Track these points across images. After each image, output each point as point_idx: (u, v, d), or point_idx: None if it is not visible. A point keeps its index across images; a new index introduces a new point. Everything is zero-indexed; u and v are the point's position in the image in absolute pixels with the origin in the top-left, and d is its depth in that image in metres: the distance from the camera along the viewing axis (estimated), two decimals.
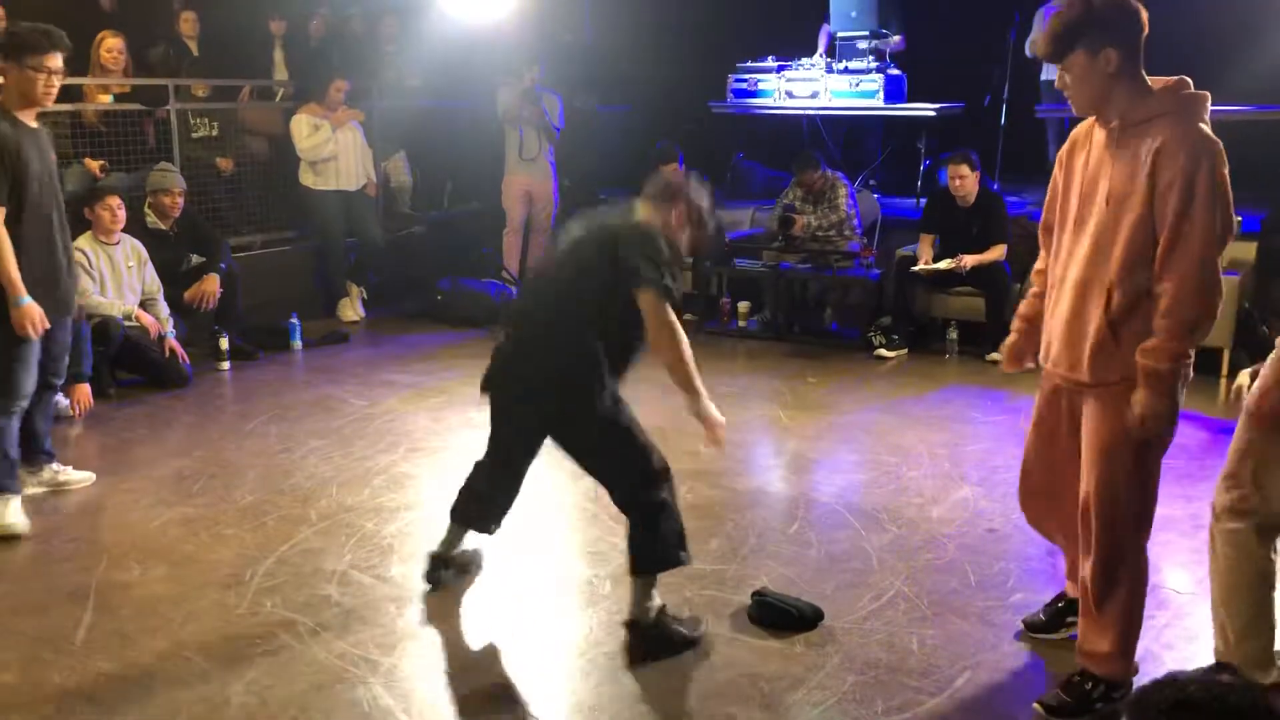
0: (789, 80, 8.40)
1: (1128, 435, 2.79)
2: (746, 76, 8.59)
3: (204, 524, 4.21)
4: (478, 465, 3.69)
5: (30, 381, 4.11)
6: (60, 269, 4.22)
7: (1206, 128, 2.69)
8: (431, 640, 3.36)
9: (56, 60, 4.04)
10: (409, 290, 8.09)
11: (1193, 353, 2.75)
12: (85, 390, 5.42)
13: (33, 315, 3.98)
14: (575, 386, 3.23)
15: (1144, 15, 2.71)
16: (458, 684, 3.10)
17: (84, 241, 5.90)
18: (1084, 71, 2.71)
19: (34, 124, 4.15)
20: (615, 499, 3.34)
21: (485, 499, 3.66)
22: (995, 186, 7.34)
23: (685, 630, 3.30)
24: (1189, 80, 2.76)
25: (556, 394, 3.27)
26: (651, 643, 3.22)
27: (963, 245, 6.79)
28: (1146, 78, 2.74)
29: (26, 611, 3.49)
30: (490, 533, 3.70)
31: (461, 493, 3.70)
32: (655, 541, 3.24)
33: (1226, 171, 2.64)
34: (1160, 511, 4.29)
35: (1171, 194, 2.61)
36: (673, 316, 3.23)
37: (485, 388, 3.50)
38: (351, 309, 7.81)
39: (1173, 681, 1.35)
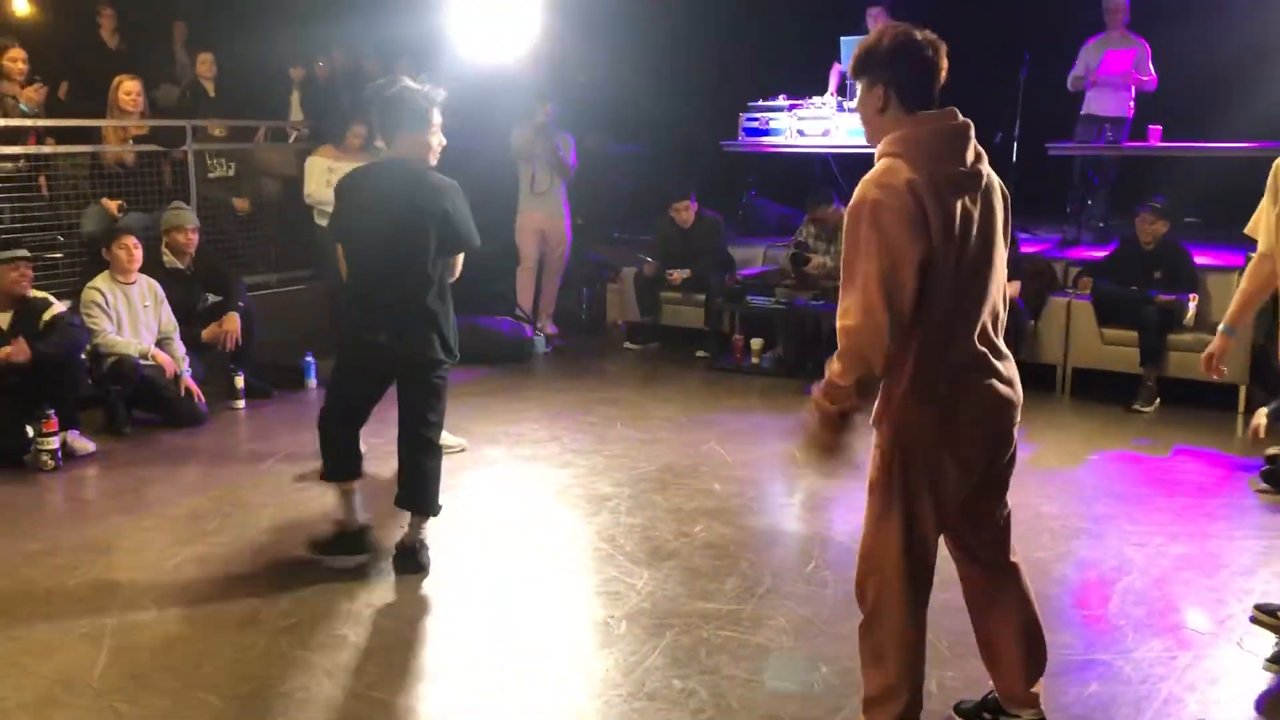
0: (800, 119, 8.45)
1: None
2: (758, 115, 8.65)
3: (219, 563, 4.21)
4: (334, 423, 4.15)
5: None
6: None
7: (897, 175, 2.55)
8: (447, 683, 3.34)
9: None
10: None
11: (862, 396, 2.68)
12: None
13: None
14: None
15: (930, 60, 2.68)
16: None
17: (101, 281, 5.96)
18: (860, 102, 2.75)
19: None
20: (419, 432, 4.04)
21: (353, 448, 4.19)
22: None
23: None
24: (946, 114, 2.69)
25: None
26: (411, 561, 4.03)
27: None
28: (920, 120, 2.65)
29: (42, 651, 3.49)
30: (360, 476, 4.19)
31: (337, 454, 4.16)
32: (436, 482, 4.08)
33: (887, 218, 2.50)
34: (1178, 550, 4.28)
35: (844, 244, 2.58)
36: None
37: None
38: None
39: None
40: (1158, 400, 6.47)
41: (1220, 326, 3.68)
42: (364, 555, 4.17)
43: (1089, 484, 5.20)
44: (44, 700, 3.18)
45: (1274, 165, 3.46)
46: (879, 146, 2.71)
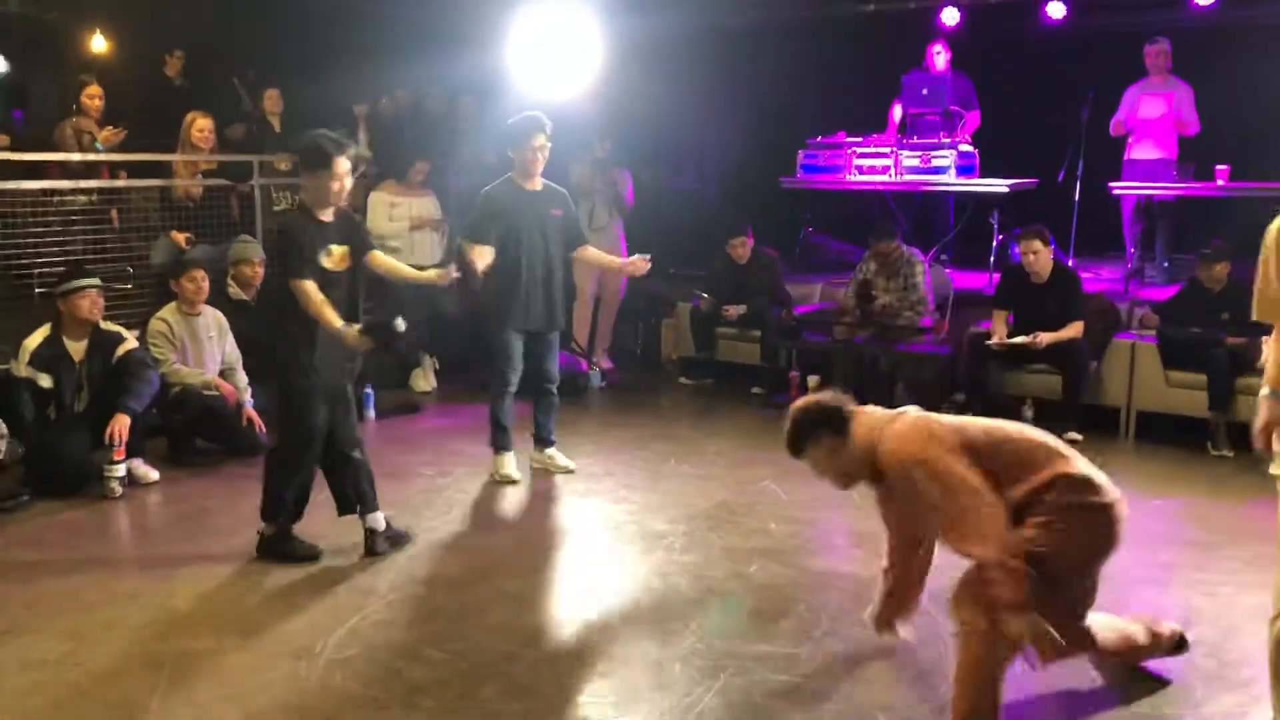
0: (860, 156, 8.43)
1: None
2: (817, 152, 8.64)
3: (277, 593, 4.24)
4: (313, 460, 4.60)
5: None
6: None
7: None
8: (495, 714, 3.33)
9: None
10: (480, 360, 8.15)
11: None
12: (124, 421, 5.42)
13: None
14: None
15: None
16: None
17: (168, 312, 6.08)
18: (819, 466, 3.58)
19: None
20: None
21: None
22: (1070, 263, 7.26)
23: (300, 550, 4.54)
24: None
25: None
26: (268, 549, 4.58)
27: (1037, 322, 6.69)
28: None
29: (103, 678, 3.53)
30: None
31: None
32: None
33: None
34: (1249, 600, 4.15)
35: None
36: (304, 285, 4.33)
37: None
38: (424, 379, 7.90)
39: None
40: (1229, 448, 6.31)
41: (1264, 392, 3.18)
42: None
43: (1154, 531, 5.07)
44: None
45: (1271, 229, 3.08)
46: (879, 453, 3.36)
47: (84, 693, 3.43)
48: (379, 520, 4.67)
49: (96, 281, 5.70)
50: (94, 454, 5.43)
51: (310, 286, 4.37)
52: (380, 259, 4.82)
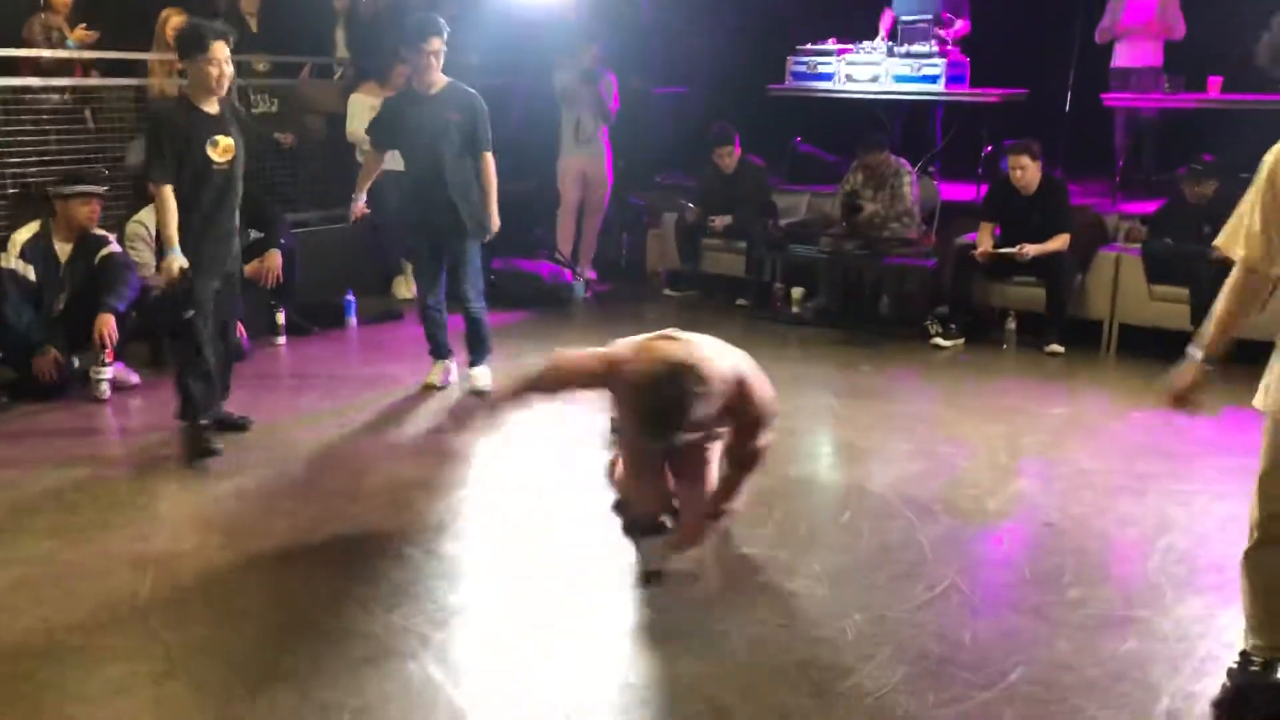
0: (850, 64, 8.29)
1: None
2: (806, 59, 8.48)
3: (259, 496, 4.26)
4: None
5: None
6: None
7: None
8: (482, 617, 3.37)
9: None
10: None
11: None
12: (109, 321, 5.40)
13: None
14: None
15: None
16: (507, 661, 3.11)
17: (145, 215, 5.98)
18: None
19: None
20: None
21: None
22: (1059, 175, 7.21)
23: (208, 446, 4.57)
24: None
25: None
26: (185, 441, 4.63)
27: (1024, 234, 6.67)
28: None
29: (89, 576, 3.56)
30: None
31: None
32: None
33: None
34: (1223, 510, 4.22)
35: None
36: (159, 190, 4.37)
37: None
38: (406, 287, 7.84)
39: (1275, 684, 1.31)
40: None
41: (1195, 354, 3.20)
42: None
43: (1132, 441, 5.13)
44: (90, 623, 3.25)
45: (1268, 159, 2.83)
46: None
47: (69, 590, 3.45)
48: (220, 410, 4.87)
49: (100, 189, 5.62)
50: (73, 356, 5.40)
51: (165, 191, 4.37)
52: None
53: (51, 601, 3.38)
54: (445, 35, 5.31)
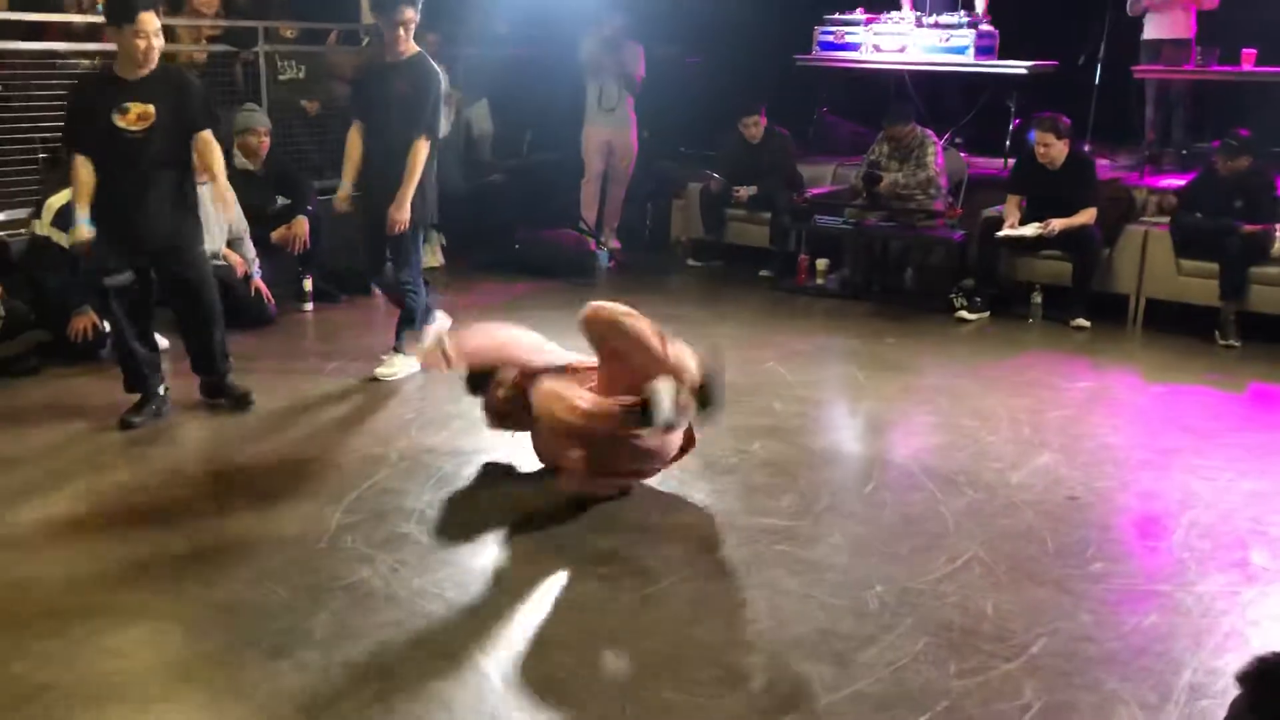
0: (877, 34, 8.22)
1: None
2: (834, 29, 8.42)
3: (287, 461, 4.31)
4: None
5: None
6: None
7: None
8: (508, 582, 3.41)
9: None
10: (487, 238, 8.13)
11: None
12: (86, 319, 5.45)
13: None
14: None
15: None
16: (529, 625, 3.15)
17: None
18: None
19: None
20: None
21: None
22: (1087, 148, 7.14)
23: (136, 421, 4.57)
24: None
25: None
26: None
27: (1051, 207, 6.63)
28: None
29: (119, 538, 3.61)
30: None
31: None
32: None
33: None
34: (1247, 486, 4.21)
35: None
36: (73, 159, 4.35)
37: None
38: (431, 255, 7.87)
39: None
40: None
41: None
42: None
43: (1157, 416, 5.11)
44: (120, 581, 3.30)
45: None
46: None
47: (101, 549, 3.51)
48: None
49: None
50: (104, 320, 5.45)
51: (75, 160, 4.33)
52: (204, 145, 4.48)
53: (85, 560, 3.44)
54: (419, 5, 5.06)
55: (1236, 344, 6.20)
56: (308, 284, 6.57)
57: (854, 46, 8.29)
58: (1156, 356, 6.09)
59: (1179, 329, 6.49)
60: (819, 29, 8.45)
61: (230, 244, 6.17)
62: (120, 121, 4.29)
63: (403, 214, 5.03)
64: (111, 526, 3.70)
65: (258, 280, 6.18)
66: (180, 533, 3.64)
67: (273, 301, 6.26)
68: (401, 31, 5.03)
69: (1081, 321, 6.56)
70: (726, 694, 2.80)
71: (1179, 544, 3.75)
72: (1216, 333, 6.29)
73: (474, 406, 4.90)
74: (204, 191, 6.03)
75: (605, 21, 8.04)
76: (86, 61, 6.87)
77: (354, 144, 5.25)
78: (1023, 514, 3.95)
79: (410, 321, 5.38)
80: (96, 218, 4.35)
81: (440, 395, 5.09)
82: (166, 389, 4.81)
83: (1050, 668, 2.94)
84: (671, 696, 2.77)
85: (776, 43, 8.86)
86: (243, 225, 6.23)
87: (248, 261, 6.18)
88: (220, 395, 4.88)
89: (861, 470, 4.37)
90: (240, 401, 4.86)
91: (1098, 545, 3.70)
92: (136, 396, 4.71)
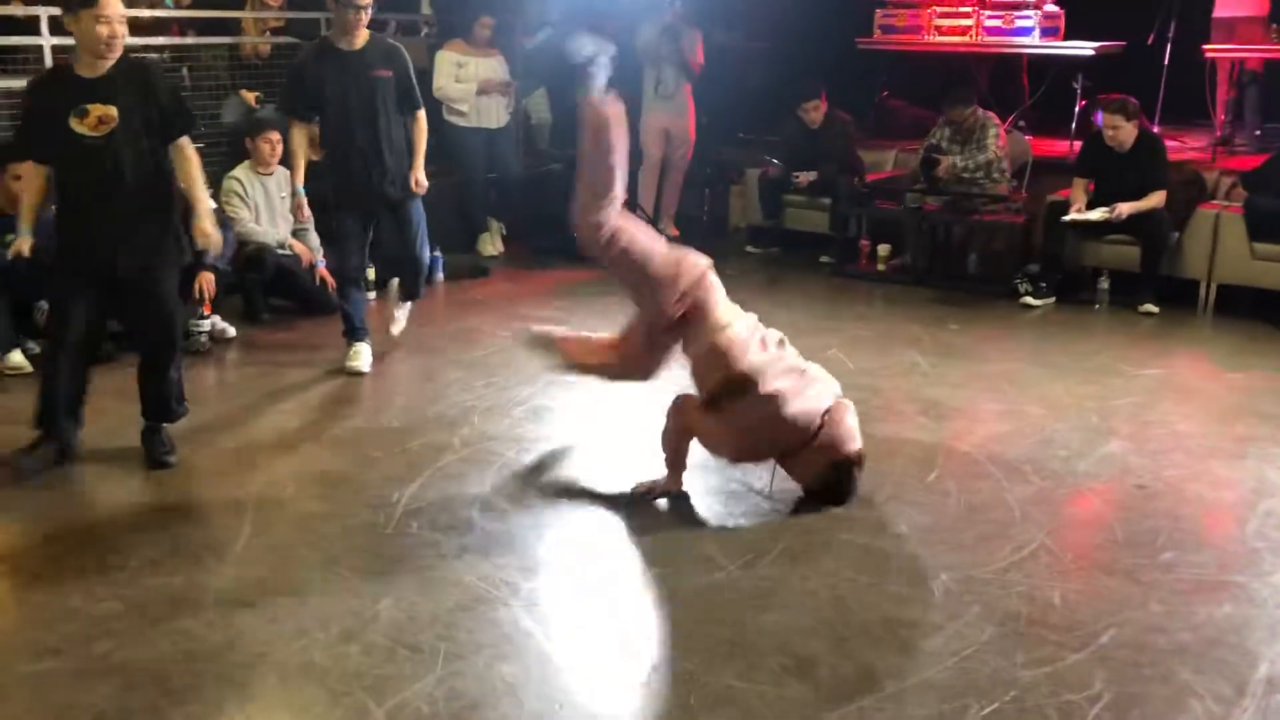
0: (940, 16, 8.11)
1: None
2: (895, 12, 8.33)
3: (353, 447, 4.37)
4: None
5: None
6: None
7: None
8: (570, 567, 3.43)
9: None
10: (546, 227, 8.14)
11: None
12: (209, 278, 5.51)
13: None
14: None
15: None
16: (594, 610, 3.17)
17: (240, 171, 6.14)
18: None
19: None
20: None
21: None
22: (1156, 130, 6.99)
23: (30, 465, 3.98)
24: None
25: None
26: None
27: (1119, 191, 6.50)
28: None
29: (190, 522, 3.70)
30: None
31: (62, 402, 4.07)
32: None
33: None
34: None
35: None
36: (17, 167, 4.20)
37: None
38: (491, 244, 7.93)
39: None
40: None
41: None
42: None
43: (1229, 404, 5.00)
44: (191, 566, 3.37)
45: None
46: None
47: (170, 532, 3.59)
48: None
49: None
50: None
51: (25, 169, 3.97)
52: (178, 155, 4.00)
53: (156, 544, 3.51)
54: None
55: None
56: (371, 273, 6.63)
57: (916, 29, 8.19)
58: (1228, 343, 5.96)
59: (1252, 315, 6.34)
60: (880, 11, 8.37)
61: (295, 234, 6.26)
62: (78, 127, 3.78)
63: (424, 181, 5.23)
64: (180, 509, 3.79)
65: (322, 269, 6.26)
66: (249, 517, 3.71)
67: (337, 290, 6.33)
68: (364, 15, 4.99)
69: (1150, 307, 6.44)
70: (792, 682, 2.79)
71: (1253, 534, 3.67)
72: None
73: (535, 395, 4.94)
74: (269, 181, 6.16)
75: (664, 8, 8.01)
76: (155, 55, 7.00)
77: (301, 142, 5.23)
78: (1090, 503, 3.89)
79: (420, 283, 5.62)
80: (58, 233, 3.97)
81: (502, 382, 5.13)
82: (74, 444, 4.16)
83: (1120, 659, 2.90)
84: (736, 684, 2.78)
85: (837, 26, 8.78)
86: (308, 215, 6.31)
87: (313, 250, 6.27)
88: (150, 444, 4.19)
89: (925, 458, 4.33)
90: (158, 459, 4.13)
91: (1168, 535, 3.63)
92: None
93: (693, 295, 3.83)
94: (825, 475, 3.80)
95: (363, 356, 5.30)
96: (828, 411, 3.82)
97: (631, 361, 4.03)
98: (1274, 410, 4.85)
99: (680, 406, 3.90)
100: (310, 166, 5.34)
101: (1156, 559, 3.46)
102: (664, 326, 3.85)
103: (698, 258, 3.94)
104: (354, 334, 5.34)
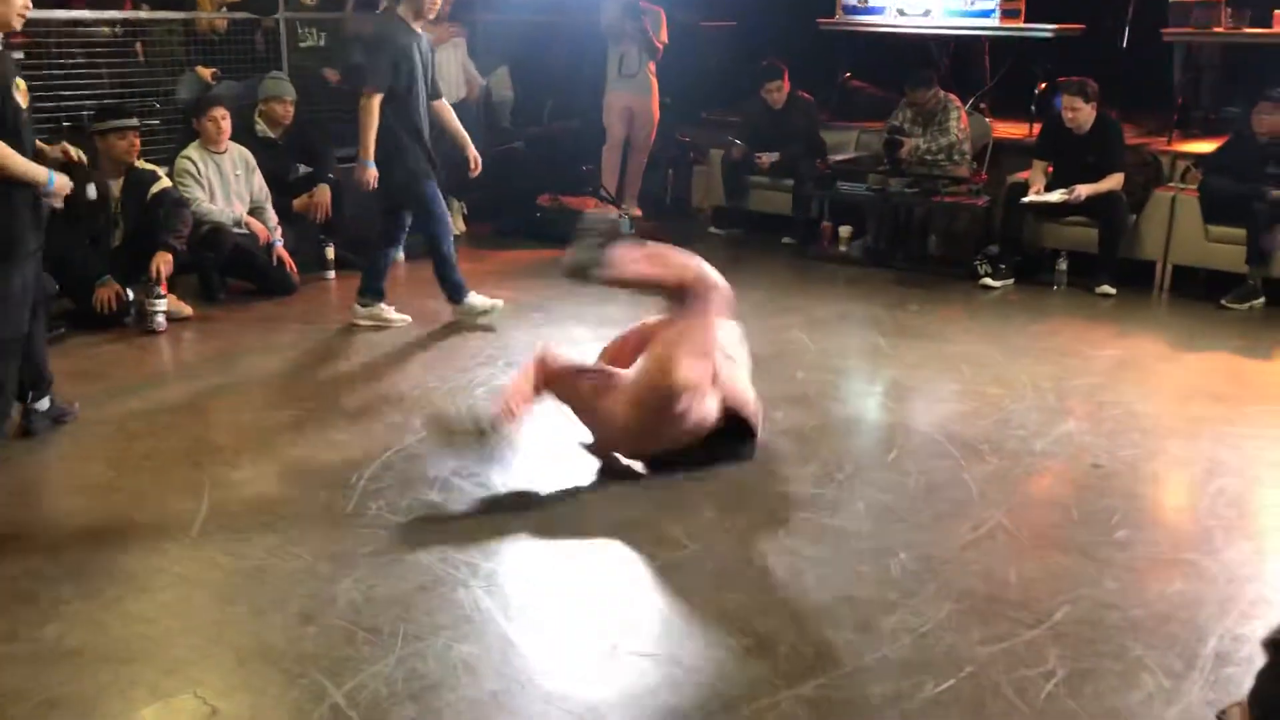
0: None
1: None
2: None
3: (312, 427, 4.33)
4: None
5: None
6: None
7: None
8: (530, 547, 3.42)
9: None
10: (508, 206, 8.11)
11: None
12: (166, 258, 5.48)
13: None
14: None
15: None
16: (555, 590, 3.16)
17: (192, 150, 6.05)
18: None
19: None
20: None
21: None
22: (1114, 113, 7.05)
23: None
24: None
25: None
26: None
27: (1077, 173, 6.55)
28: None
29: (145, 503, 3.65)
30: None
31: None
32: None
33: None
34: (1275, 455, 4.17)
35: None
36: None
37: None
38: (453, 223, 7.86)
39: None
40: (1259, 300, 6.23)
41: None
42: None
43: (1185, 384, 5.07)
44: (146, 549, 3.33)
45: None
46: None
47: (127, 517, 3.54)
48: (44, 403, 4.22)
49: (134, 122, 5.66)
50: (128, 289, 5.50)
51: None
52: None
53: (111, 527, 3.47)
54: None
55: (1239, 307, 6.16)
56: (330, 252, 6.57)
57: (878, 10, 8.20)
58: (1183, 324, 6.03)
59: (1206, 295, 6.42)
60: None
61: (252, 212, 6.18)
62: (20, 98, 3.73)
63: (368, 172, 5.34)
64: (136, 491, 3.74)
65: (280, 249, 6.19)
66: (206, 499, 3.67)
67: (295, 270, 6.27)
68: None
69: (1107, 288, 6.51)
70: (751, 660, 2.80)
71: (1205, 512, 3.72)
72: (1226, 297, 6.24)
73: (495, 375, 4.92)
74: (222, 159, 6.08)
75: None
76: (107, 29, 6.89)
77: (375, 115, 5.26)
78: (1047, 482, 3.94)
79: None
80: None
81: (462, 364, 5.10)
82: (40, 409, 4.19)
83: (1074, 635, 2.94)
84: (696, 663, 2.78)
85: (799, 6, 8.77)
86: (264, 193, 6.24)
87: (269, 229, 6.19)
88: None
89: (885, 438, 4.36)
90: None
91: (1123, 513, 3.67)
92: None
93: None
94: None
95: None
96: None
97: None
98: (1227, 391, 4.92)
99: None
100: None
101: (1111, 537, 3.51)
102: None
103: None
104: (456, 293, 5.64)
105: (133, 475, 3.88)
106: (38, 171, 3.79)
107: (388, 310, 5.69)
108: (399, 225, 5.66)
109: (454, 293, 5.68)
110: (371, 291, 5.65)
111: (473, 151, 5.70)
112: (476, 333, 5.59)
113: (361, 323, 5.63)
